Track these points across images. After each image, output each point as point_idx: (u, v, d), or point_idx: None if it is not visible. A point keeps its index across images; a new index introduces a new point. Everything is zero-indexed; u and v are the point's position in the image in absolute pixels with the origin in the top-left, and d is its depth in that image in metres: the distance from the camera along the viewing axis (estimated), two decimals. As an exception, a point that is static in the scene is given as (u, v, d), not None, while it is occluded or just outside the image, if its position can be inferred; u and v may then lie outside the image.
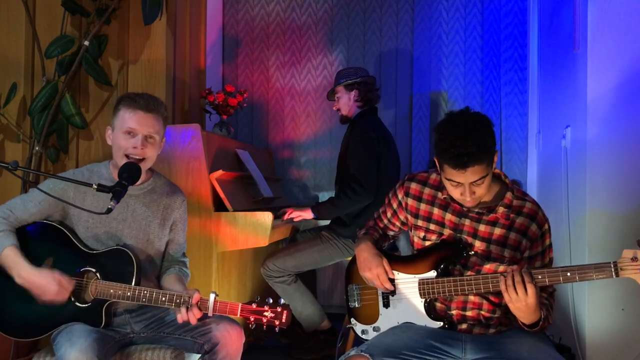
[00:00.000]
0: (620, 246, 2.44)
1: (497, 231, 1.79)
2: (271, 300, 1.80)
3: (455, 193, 1.74)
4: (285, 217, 2.92)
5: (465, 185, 1.69)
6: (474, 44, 3.77)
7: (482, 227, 1.80)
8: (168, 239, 2.07)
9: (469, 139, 1.62)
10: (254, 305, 1.79)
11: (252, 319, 1.79)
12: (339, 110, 3.13)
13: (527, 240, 1.78)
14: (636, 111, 2.45)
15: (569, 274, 1.62)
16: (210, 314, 1.81)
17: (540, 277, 1.64)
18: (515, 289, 1.60)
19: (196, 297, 1.80)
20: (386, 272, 1.86)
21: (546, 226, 1.80)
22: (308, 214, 2.94)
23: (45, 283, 1.79)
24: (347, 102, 3.07)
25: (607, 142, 2.48)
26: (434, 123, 3.78)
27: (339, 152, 3.10)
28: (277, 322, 1.78)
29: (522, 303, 1.61)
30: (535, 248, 1.79)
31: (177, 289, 1.90)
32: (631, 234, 2.43)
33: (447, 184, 1.75)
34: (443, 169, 1.71)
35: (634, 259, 1.55)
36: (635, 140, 2.45)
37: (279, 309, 1.78)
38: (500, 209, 1.78)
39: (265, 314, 1.78)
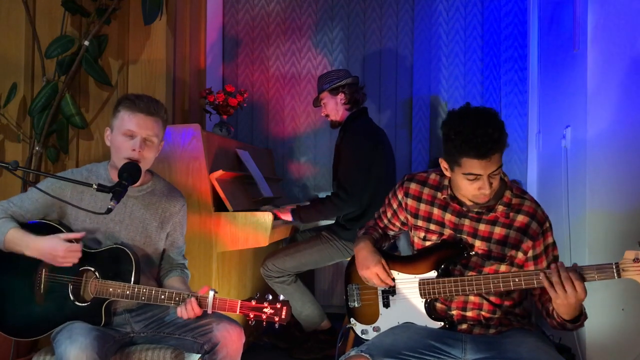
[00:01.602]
0: (621, 246, 2.45)
1: (497, 230, 1.78)
2: (270, 297, 1.80)
3: (472, 189, 1.70)
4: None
5: (484, 177, 1.66)
6: (474, 44, 3.77)
7: (482, 227, 1.80)
8: (167, 242, 2.07)
9: (490, 126, 1.61)
10: (253, 302, 1.79)
11: (251, 316, 1.79)
12: (327, 116, 3.08)
13: (529, 238, 1.77)
14: (636, 111, 2.45)
15: None
16: (209, 311, 1.81)
17: (541, 277, 1.64)
18: (563, 285, 1.56)
19: (204, 289, 1.82)
20: (385, 270, 1.86)
21: (547, 224, 1.79)
22: (287, 217, 2.85)
23: (53, 245, 1.79)
24: (334, 107, 3.03)
25: (607, 142, 2.48)
26: (434, 123, 3.77)
27: (333, 157, 3.07)
28: (276, 319, 1.78)
29: (572, 299, 1.56)
30: (537, 246, 1.78)
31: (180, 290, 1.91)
32: (631, 234, 2.43)
33: (462, 181, 1.71)
34: (460, 164, 1.67)
35: (636, 260, 1.54)
36: (635, 140, 2.45)
37: (278, 305, 1.78)
38: (500, 208, 1.78)
39: (265, 310, 1.78)
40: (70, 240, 1.81)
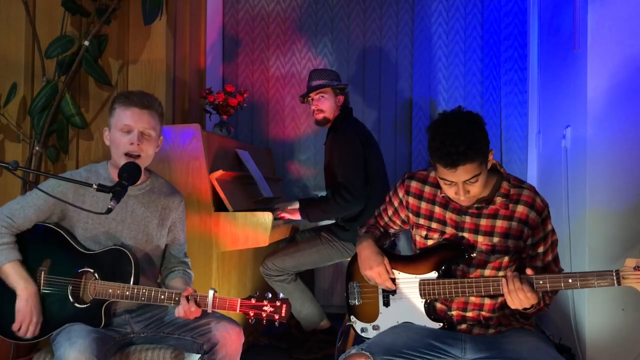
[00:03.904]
0: (620, 246, 2.45)
1: (499, 223, 1.79)
2: (270, 295, 1.80)
3: (450, 192, 1.75)
4: (285, 217, 2.92)
5: (459, 185, 1.69)
6: (474, 44, 3.77)
7: (483, 222, 1.80)
8: (168, 239, 2.07)
9: (458, 138, 1.63)
10: (253, 300, 1.79)
11: (251, 314, 1.79)
12: (319, 111, 3.02)
13: (529, 228, 1.78)
14: (636, 111, 2.46)
15: (570, 280, 1.63)
16: (209, 310, 1.81)
17: (541, 282, 1.65)
18: (517, 294, 1.64)
19: (188, 290, 1.82)
20: (387, 271, 1.86)
21: (545, 212, 1.80)
22: (296, 217, 2.92)
23: (28, 310, 1.82)
24: (333, 105, 3.01)
25: (607, 142, 2.48)
26: (434, 123, 3.77)
27: (324, 158, 3.06)
28: (276, 317, 1.78)
29: (525, 304, 1.65)
30: (537, 235, 1.79)
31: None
32: (631, 234, 2.43)
33: (441, 183, 1.76)
34: (436, 168, 1.72)
35: (637, 267, 1.54)
36: (634, 140, 2.45)
37: (278, 303, 1.78)
38: (498, 200, 1.79)
39: (265, 308, 1.78)
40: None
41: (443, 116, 1.73)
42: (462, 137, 1.63)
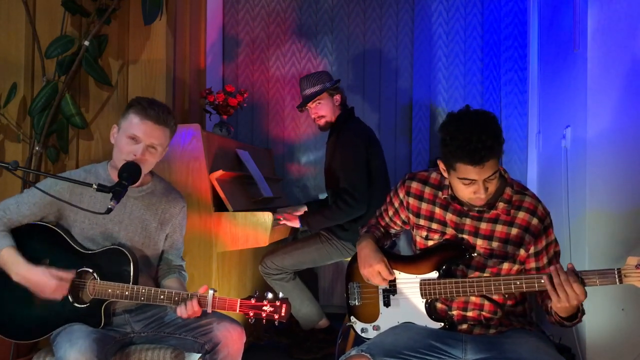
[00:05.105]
0: (620, 246, 2.45)
1: (499, 228, 1.79)
2: (270, 295, 1.80)
3: (467, 193, 1.72)
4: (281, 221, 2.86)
5: (479, 182, 1.67)
6: (474, 44, 3.77)
7: (483, 225, 1.80)
8: (166, 244, 2.06)
9: (484, 132, 1.62)
10: (252, 300, 1.79)
11: (251, 314, 1.79)
12: (321, 117, 3.00)
13: (530, 235, 1.77)
14: (636, 111, 2.46)
15: None
16: (209, 310, 1.81)
17: (543, 280, 1.64)
18: (564, 287, 1.57)
19: (203, 289, 1.82)
20: (386, 269, 1.86)
21: (548, 220, 1.79)
22: (295, 224, 2.86)
23: (44, 280, 1.79)
24: (332, 108, 2.99)
25: (607, 142, 2.48)
26: (434, 123, 3.78)
27: (326, 159, 3.04)
28: (276, 316, 1.78)
29: (574, 302, 1.57)
30: (539, 243, 1.78)
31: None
32: (631, 234, 2.43)
33: (458, 184, 1.72)
34: (455, 168, 1.68)
35: (638, 266, 1.55)
36: (635, 140, 2.45)
37: (277, 303, 1.79)
38: (500, 205, 1.78)
39: (265, 308, 1.78)
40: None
41: (460, 114, 1.70)
42: (488, 132, 1.62)
